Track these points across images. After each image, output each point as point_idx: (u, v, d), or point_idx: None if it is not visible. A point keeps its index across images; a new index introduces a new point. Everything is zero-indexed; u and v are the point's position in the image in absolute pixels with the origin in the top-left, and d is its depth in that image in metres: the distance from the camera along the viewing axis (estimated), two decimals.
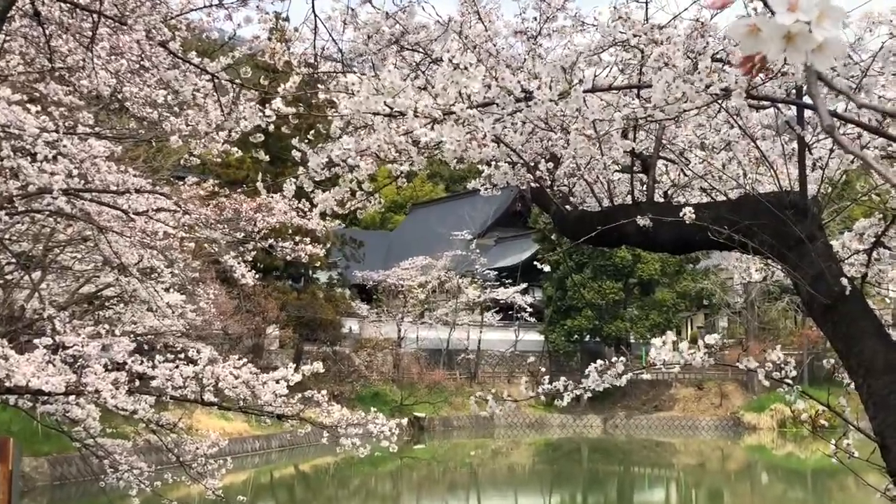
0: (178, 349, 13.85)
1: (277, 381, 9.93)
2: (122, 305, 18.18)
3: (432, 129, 3.57)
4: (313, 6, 6.31)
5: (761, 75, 3.91)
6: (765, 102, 5.37)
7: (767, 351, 4.76)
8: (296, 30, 7.15)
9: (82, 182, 9.02)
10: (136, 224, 10.49)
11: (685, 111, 4.09)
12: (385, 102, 3.57)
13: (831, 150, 5.41)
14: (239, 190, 13.78)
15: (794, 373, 4.75)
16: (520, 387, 5.33)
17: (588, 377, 4.83)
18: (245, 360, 10.23)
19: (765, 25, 1.46)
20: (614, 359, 4.94)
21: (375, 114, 3.71)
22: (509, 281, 58.85)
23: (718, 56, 5.31)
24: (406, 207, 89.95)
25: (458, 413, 52.63)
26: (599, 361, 5.05)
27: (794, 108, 5.22)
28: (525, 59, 5.74)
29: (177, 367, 9.78)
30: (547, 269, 10.15)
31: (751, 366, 4.62)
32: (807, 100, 4.89)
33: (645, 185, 6.15)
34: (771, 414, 50.76)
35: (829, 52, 1.47)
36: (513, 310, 59.22)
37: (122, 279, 13.83)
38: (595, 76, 4.18)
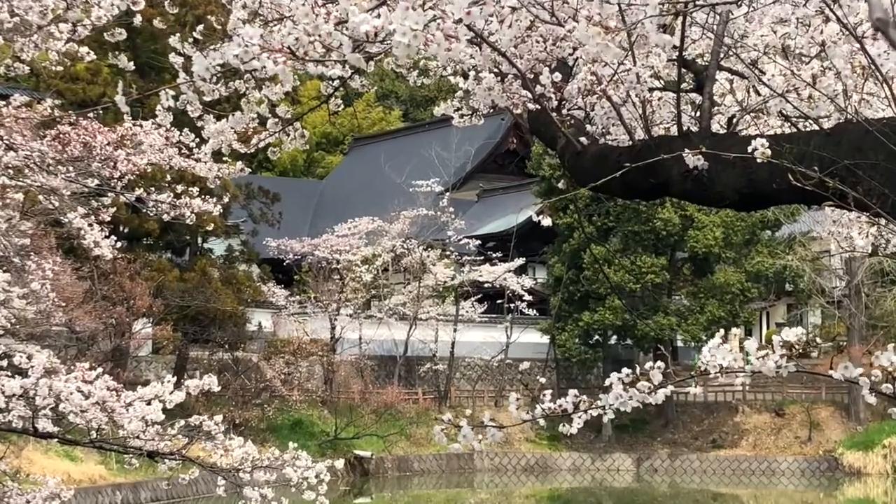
0: None
1: (149, 403, 9.89)
2: None
3: (378, 16, 3.53)
4: None
5: None
6: None
7: (876, 354, 4.79)
8: None
9: None
10: None
11: None
12: None
13: None
14: (91, 115, 13.66)
15: None
16: (509, 407, 5.34)
17: (609, 391, 4.84)
18: (101, 369, 10.18)
19: None
20: (648, 365, 4.96)
21: None
22: (498, 255, 58.98)
23: None
24: (344, 144, 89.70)
25: (422, 450, 52.85)
26: (628, 371, 5.06)
27: None
28: None
29: None
30: (548, 223, 9.84)
31: (850, 375, 4.65)
32: None
33: (698, 109, 6.17)
34: (883, 452, 51.35)
35: None
36: (503, 298, 59.32)
37: None
38: None
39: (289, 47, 3.71)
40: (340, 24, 3.60)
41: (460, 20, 3.62)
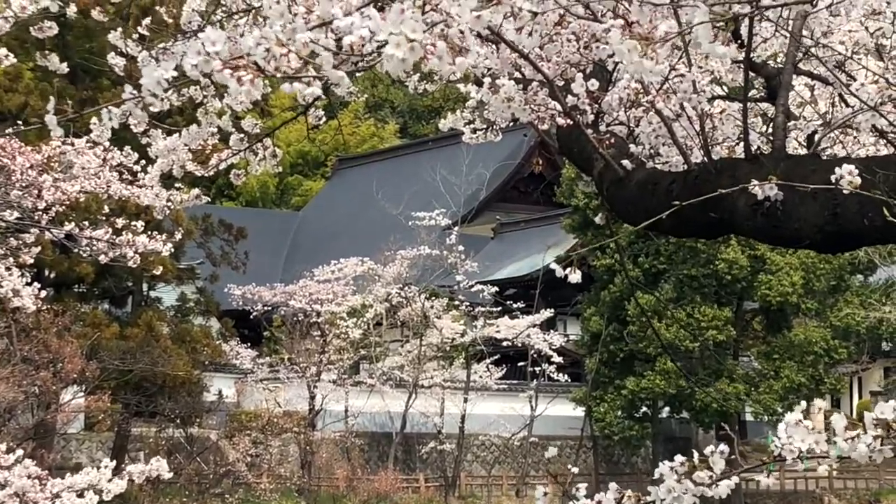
0: None
1: (81, 494, 9.93)
2: None
3: (368, 18, 3.58)
4: None
5: None
6: None
7: None
8: None
9: None
10: None
11: None
12: None
13: None
14: (10, 130, 13.79)
15: None
16: (535, 501, 5.40)
17: (660, 482, 4.88)
18: (20, 451, 10.22)
19: None
20: (710, 449, 4.98)
21: None
22: (520, 305, 58.89)
23: None
24: (326, 165, 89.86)
25: None
26: (681, 458, 5.08)
27: None
28: None
29: None
30: (576, 278, 9.13)
31: None
32: None
33: (770, 124, 6.22)
34: None
35: None
36: (526, 360, 59.19)
37: None
38: None
39: (255, 62, 3.75)
40: (322, 26, 3.65)
41: (467, 26, 3.67)
